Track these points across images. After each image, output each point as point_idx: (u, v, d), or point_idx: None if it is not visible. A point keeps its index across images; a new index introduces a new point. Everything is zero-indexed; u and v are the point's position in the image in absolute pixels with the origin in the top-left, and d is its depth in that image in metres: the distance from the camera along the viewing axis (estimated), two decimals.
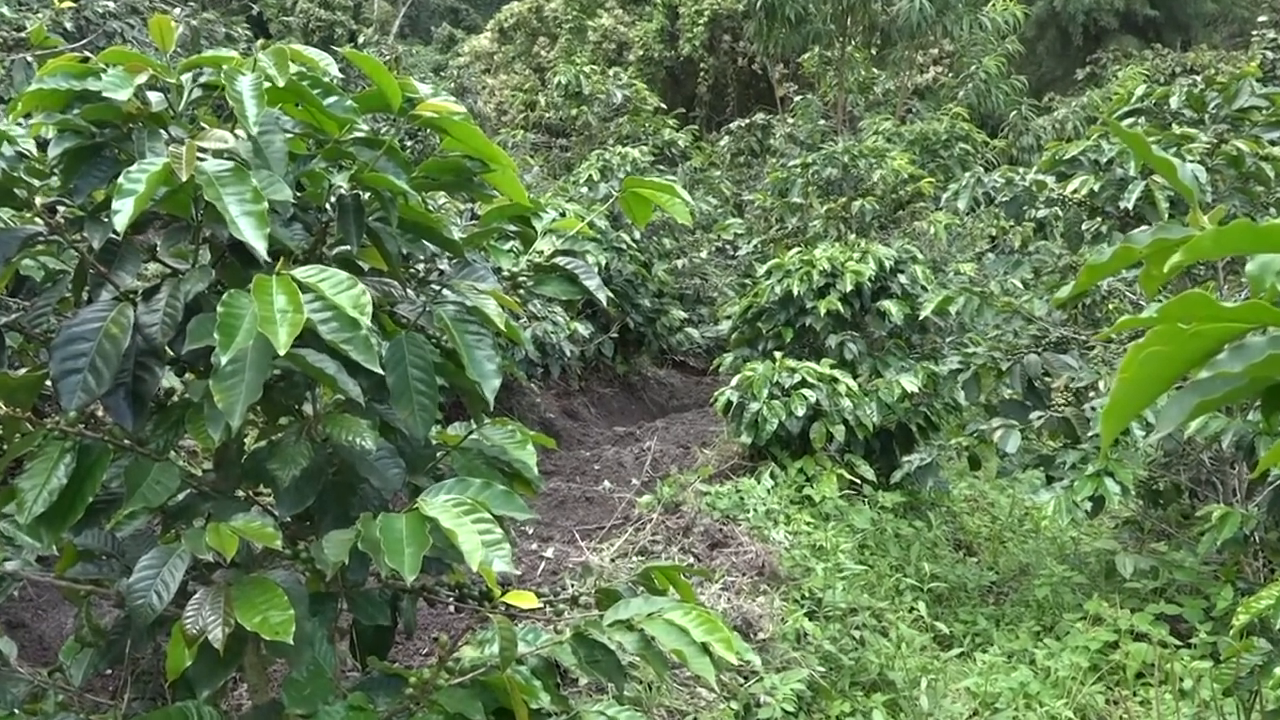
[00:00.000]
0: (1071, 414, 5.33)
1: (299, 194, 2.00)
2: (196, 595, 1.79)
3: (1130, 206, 5.22)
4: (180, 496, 2.05)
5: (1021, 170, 6.10)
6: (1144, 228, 0.92)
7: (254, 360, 1.70)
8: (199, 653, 1.77)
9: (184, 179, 1.67)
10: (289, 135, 1.95)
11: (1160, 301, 0.80)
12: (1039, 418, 5.37)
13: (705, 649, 1.94)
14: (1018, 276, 6.38)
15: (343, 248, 2.09)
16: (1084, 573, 5.83)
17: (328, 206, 2.04)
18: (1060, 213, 6.06)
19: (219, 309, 1.63)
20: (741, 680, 3.85)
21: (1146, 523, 5.86)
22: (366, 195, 2.02)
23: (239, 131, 1.87)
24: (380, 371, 1.72)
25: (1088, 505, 4.89)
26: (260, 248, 1.64)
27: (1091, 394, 5.43)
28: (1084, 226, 5.81)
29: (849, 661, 4.36)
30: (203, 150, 1.77)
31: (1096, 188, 5.46)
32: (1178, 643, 4.71)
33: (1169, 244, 0.84)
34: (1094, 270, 0.91)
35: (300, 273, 1.69)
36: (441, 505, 1.78)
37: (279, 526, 1.92)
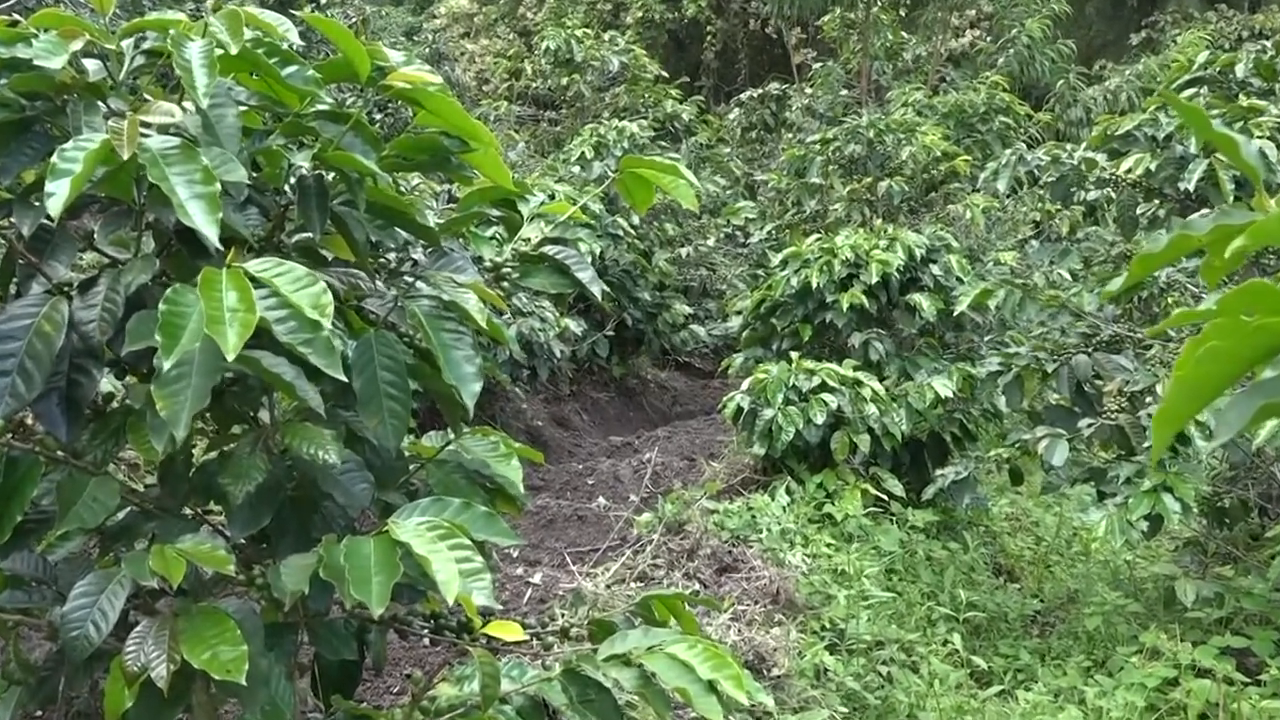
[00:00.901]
0: (1126, 422, 5.33)
1: (254, 175, 2.00)
2: (138, 627, 1.79)
3: (1191, 188, 5.23)
4: (120, 515, 2.05)
5: (1069, 147, 6.10)
6: (1205, 212, 0.93)
7: (201, 364, 1.70)
8: (141, 692, 1.76)
9: (125, 157, 1.67)
10: (243, 109, 1.95)
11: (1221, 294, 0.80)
12: (1089, 426, 5.37)
13: (712, 687, 1.94)
14: (1065, 267, 6.38)
15: (304, 235, 2.10)
16: (1140, 601, 5.83)
17: (287, 189, 2.04)
18: (1113, 195, 6.06)
19: (161, 307, 1.63)
20: None
21: (1210, 544, 5.86)
22: (330, 176, 2.03)
23: (187, 104, 1.88)
24: (344, 377, 1.72)
25: (1144, 525, 4.89)
26: (211, 235, 1.64)
27: (1149, 399, 5.43)
28: (1139, 210, 5.82)
29: (875, 701, 4.36)
30: (146, 125, 1.77)
31: (1153, 167, 5.46)
32: (1245, 679, 4.71)
33: (1231, 230, 0.84)
34: (1147, 261, 0.92)
35: (254, 265, 1.70)
36: (414, 528, 1.78)
37: (231, 549, 1.92)
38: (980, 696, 4.77)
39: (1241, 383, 0.83)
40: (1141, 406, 5.42)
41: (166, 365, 1.60)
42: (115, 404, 2.05)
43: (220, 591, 2.05)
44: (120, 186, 1.89)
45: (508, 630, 2.22)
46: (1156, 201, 5.81)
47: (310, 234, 2.00)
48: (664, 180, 2.36)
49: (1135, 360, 5.47)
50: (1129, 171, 5.56)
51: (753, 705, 3.79)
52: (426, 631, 2.31)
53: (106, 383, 2.02)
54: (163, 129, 1.79)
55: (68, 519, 1.87)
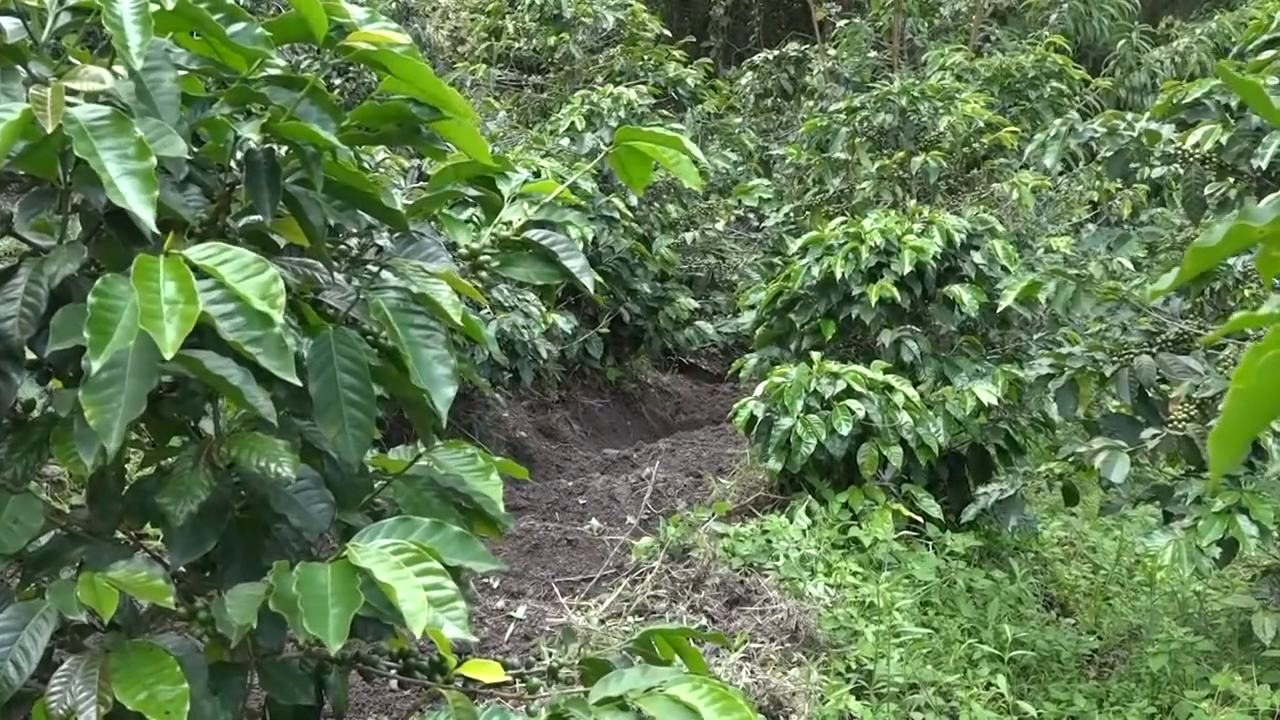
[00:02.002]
0: (1194, 432, 5.34)
1: (196, 149, 2.01)
2: (64, 665, 1.80)
3: (1264, 165, 5.24)
4: (44, 539, 2.06)
5: (1130, 116, 6.11)
6: (1275, 195, 0.93)
7: (136, 365, 1.71)
8: None
9: (49, 130, 1.68)
10: (183, 73, 1.96)
11: None
12: (1153, 437, 5.38)
13: None
14: (1125, 254, 6.40)
15: (252, 217, 2.10)
16: (1211, 638, 5.85)
17: (233, 164, 2.05)
18: (1181, 171, 6.07)
19: (90, 299, 1.63)
20: None
21: None
22: (283, 150, 2.03)
23: (118, 68, 1.89)
24: (298, 381, 1.73)
25: (1216, 551, 4.90)
26: (146, 217, 1.65)
27: (1221, 406, 5.44)
28: (1208, 190, 5.82)
29: None
30: (73, 93, 1.78)
31: (1224, 140, 5.47)
32: None
33: None
34: (1201, 254, 0.92)
35: (195, 252, 1.70)
36: (378, 552, 1.79)
37: (171, 578, 1.93)
38: None
39: None
40: (1213, 415, 5.43)
41: (96, 366, 1.60)
42: (37, 413, 2.06)
43: (158, 627, 2.06)
44: (43, 163, 1.90)
45: (487, 670, 2.23)
46: (1230, 180, 5.82)
47: (260, 216, 2.01)
48: (664, 155, 2.37)
49: (1206, 362, 5.48)
50: (1197, 146, 5.57)
51: None
52: (394, 672, 2.31)
53: (27, 388, 2.02)
54: (91, 97, 1.80)
55: None
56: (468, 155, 2.23)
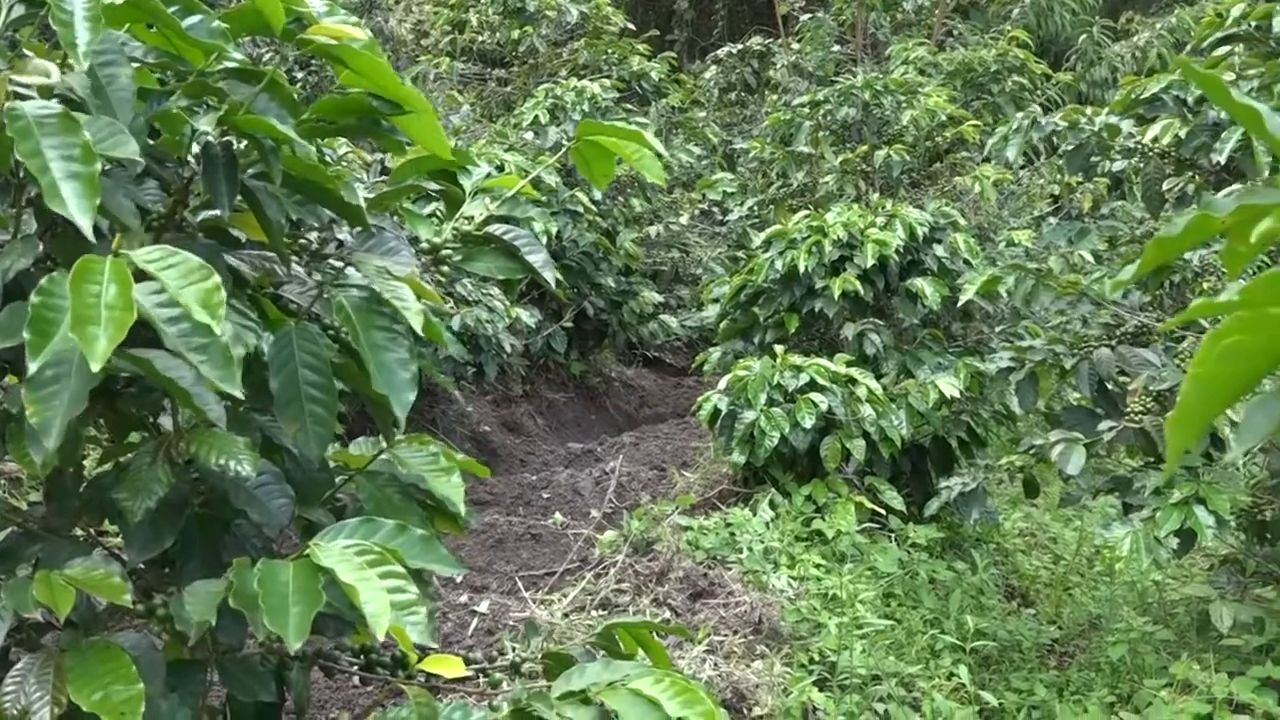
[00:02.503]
0: (1152, 424, 5.39)
1: (152, 142, 1.99)
2: (19, 665, 1.79)
3: (1223, 160, 5.29)
4: (0, 536, 2.04)
5: (1090, 111, 6.16)
6: (1233, 188, 0.94)
7: (82, 365, 1.69)
8: None
9: None
10: (137, 66, 1.94)
11: (1244, 281, 0.82)
12: (1112, 429, 5.43)
13: None
14: (1086, 248, 6.43)
15: (210, 212, 2.09)
16: (1170, 627, 5.90)
17: (190, 158, 2.04)
18: (1140, 166, 6.12)
19: (33, 299, 1.61)
20: None
21: (1250, 563, 5.94)
22: (242, 144, 2.02)
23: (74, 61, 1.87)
24: (241, 395, 1.70)
25: (1174, 542, 4.94)
26: (85, 225, 1.62)
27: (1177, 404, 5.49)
28: (1166, 185, 5.88)
29: None
30: (23, 86, 1.76)
31: (1183, 134, 5.52)
32: None
33: (1257, 210, 0.86)
34: (1163, 245, 0.93)
35: (142, 255, 1.68)
36: (340, 553, 1.78)
37: (128, 575, 1.91)
38: None
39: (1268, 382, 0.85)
40: (1171, 407, 5.48)
41: (34, 367, 1.58)
42: None
43: (116, 624, 2.05)
44: None
45: (449, 666, 2.22)
46: (1188, 174, 5.87)
47: (218, 211, 1.99)
48: (626, 150, 2.37)
49: (1164, 355, 5.53)
50: (1156, 140, 5.62)
51: None
52: (356, 669, 2.31)
53: None
54: (45, 92, 1.78)
55: None
56: (428, 149, 2.22)
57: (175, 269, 1.68)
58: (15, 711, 1.74)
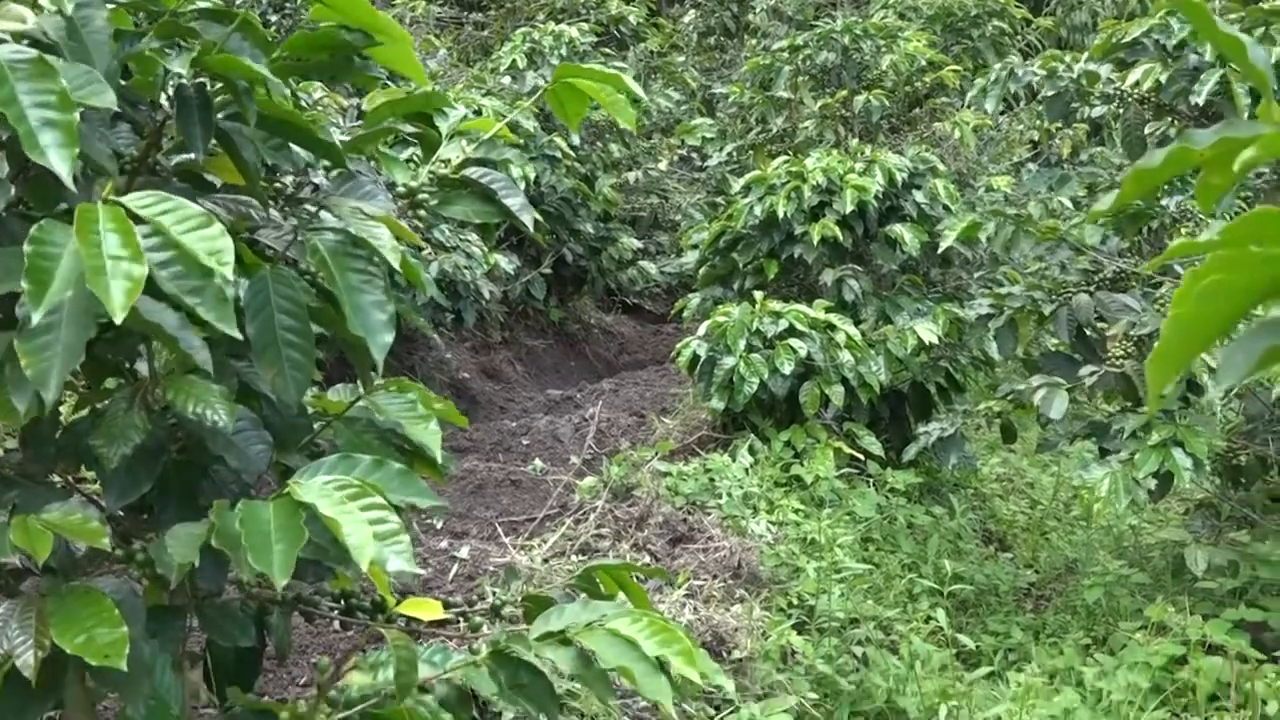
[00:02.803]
0: (1132, 369, 5.42)
1: (124, 83, 1.97)
2: (0, 610, 1.79)
3: (1202, 102, 5.28)
4: None
5: (1068, 58, 6.14)
6: (1214, 125, 0.94)
7: (74, 315, 1.67)
8: (3, 684, 1.76)
9: None
10: (111, 7, 1.92)
11: (1224, 221, 0.82)
12: (1091, 374, 5.46)
13: (660, 666, 1.97)
14: (1065, 194, 6.44)
15: (184, 155, 2.07)
16: (1145, 570, 5.97)
17: (164, 100, 2.01)
18: (1120, 111, 6.12)
19: (27, 248, 1.60)
20: (712, 711, 3.91)
21: (1224, 507, 6.00)
22: (215, 86, 2.00)
23: (45, 2, 1.84)
24: (238, 334, 1.71)
25: (1151, 484, 4.99)
26: (64, 174, 1.59)
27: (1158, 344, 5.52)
28: (1147, 130, 5.87)
29: (849, 686, 4.44)
30: None
31: (1163, 79, 5.51)
32: (1261, 656, 4.84)
33: (1237, 143, 0.85)
34: (1143, 176, 0.93)
35: (135, 200, 1.66)
36: (320, 488, 1.78)
37: (107, 521, 1.91)
38: (967, 679, 4.87)
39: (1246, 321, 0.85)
40: (1149, 352, 5.50)
41: (36, 318, 1.57)
42: None
43: (95, 570, 2.04)
44: None
45: (428, 609, 2.23)
46: (1168, 119, 5.87)
47: (191, 154, 1.97)
48: (601, 95, 2.35)
49: (1143, 300, 5.55)
50: (1136, 85, 5.61)
51: (710, 690, 3.85)
52: (336, 613, 2.32)
53: None
54: (18, 38, 1.75)
55: None
56: (405, 78, 2.19)
57: (173, 214, 1.66)
58: None
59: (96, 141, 1.88)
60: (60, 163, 1.60)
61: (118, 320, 1.54)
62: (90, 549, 1.96)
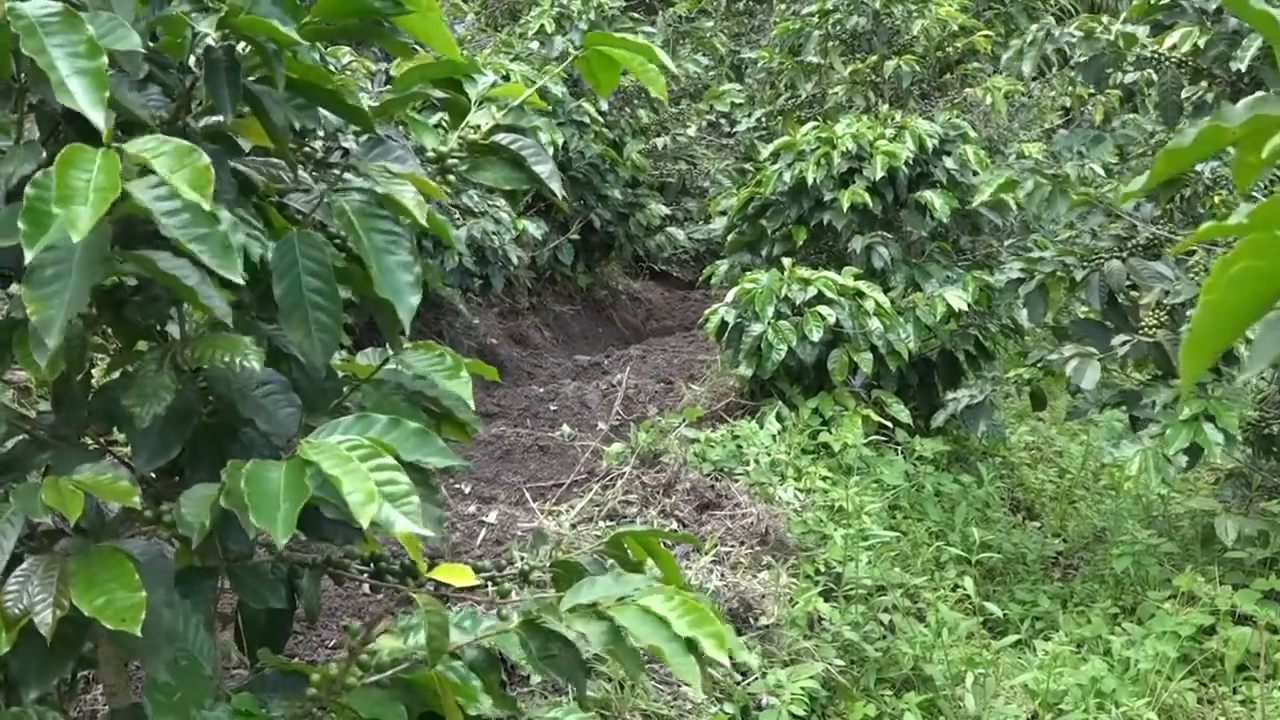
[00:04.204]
0: (1165, 338, 5.37)
1: (153, 45, 1.96)
2: (23, 565, 1.79)
3: (1243, 68, 5.21)
4: (9, 444, 2.04)
5: (1106, 20, 6.06)
6: (1248, 99, 0.92)
7: (83, 259, 1.67)
8: (21, 639, 1.76)
9: None
10: None
11: (1256, 200, 0.80)
12: (1123, 343, 5.41)
13: (691, 646, 1.96)
14: (1097, 159, 6.36)
15: (213, 117, 2.06)
16: (1175, 540, 5.94)
17: (192, 63, 2.01)
18: (1155, 76, 6.04)
19: (28, 190, 1.59)
20: (739, 677, 3.92)
21: (1255, 476, 5.96)
22: (244, 48, 1.99)
23: None
24: (241, 279, 1.69)
25: (1182, 461, 4.95)
26: (97, 117, 1.60)
27: (1190, 312, 5.47)
28: (1184, 95, 5.80)
29: (875, 653, 4.44)
30: None
31: (1201, 43, 5.44)
32: None
33: (1270, 121, 0.83)
34: (1173, 156, 0.91)
35: (133, 145, 1.66)
36: (331, 447, 1.78)
37: (138, 483, 1.92)
38: (994, 647, 4.87)
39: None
40: (1183, 321, 5.46)
41: (30, 255, 1.56)
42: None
43: (126, 532, 2.05)
44: None
45: (458, 575, 2.23)
46: (1205, 84, 5.79)
47: (220, 116, 1.97)
48: (633, 63, 2.33)
49: (1176, 268, 5.49)
50: (1174, 49, 5.54)
51: (736, 663, 3.85)
52: (365, 576, 2.32)
53: None
54: None
55: None
56: (434, 47, 2.18)
57: (166, 155, 1.65)
58: (18, 610, 1.74)
59: (128, 91, 1.87)
60: (90, 106, 1.61)
61: (75, 238, 1.53)
62: (123, 510, 1.96)
